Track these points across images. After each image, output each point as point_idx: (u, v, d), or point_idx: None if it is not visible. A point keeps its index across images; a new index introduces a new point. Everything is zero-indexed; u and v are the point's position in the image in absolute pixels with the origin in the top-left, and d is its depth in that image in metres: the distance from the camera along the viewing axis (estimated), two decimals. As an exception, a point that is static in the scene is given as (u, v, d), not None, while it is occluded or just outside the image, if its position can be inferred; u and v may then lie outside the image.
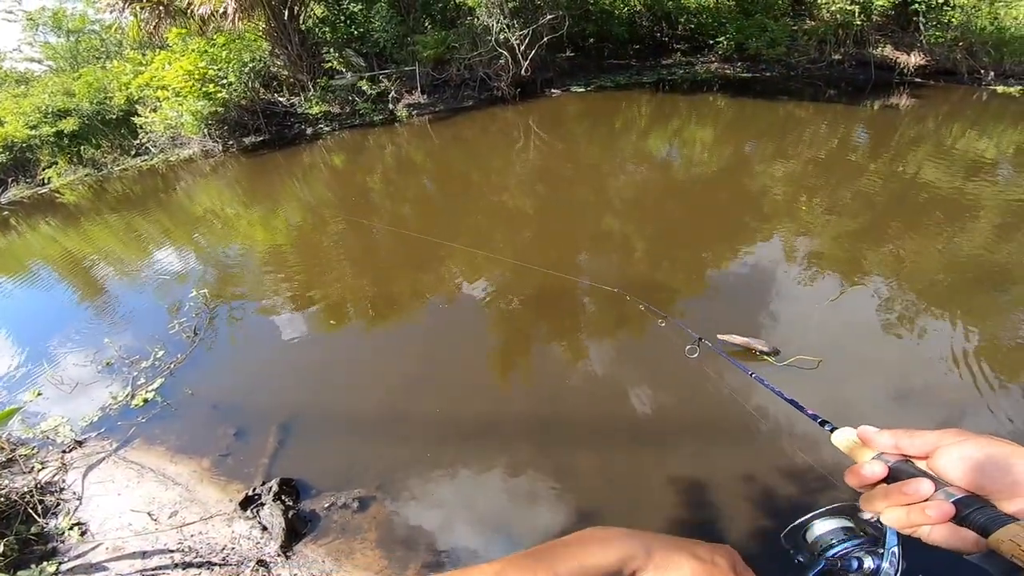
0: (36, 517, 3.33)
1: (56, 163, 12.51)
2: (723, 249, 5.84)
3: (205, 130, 11.77)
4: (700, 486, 3.18)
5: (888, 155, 8.60)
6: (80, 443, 3.98)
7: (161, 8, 11.79)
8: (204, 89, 11.12)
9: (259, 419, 4.00)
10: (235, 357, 4.90)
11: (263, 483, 3.44)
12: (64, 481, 3.63)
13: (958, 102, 10.91)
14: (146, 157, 12.30)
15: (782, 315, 4.56)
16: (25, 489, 3.46)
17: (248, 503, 3.34)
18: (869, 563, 0.68)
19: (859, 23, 12.31)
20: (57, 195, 11.43)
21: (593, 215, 6.60)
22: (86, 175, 12.24)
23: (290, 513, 3.26)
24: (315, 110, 12.07)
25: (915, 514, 0.55)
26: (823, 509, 0.77)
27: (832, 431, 0.77)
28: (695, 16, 14.48)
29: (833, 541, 0.73)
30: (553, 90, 12.56)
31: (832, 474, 3.17)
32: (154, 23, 12.11)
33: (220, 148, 11.73)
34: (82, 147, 12.66)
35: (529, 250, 5.98)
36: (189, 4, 11.10)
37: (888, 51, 12.52)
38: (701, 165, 8.61)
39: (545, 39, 11.97)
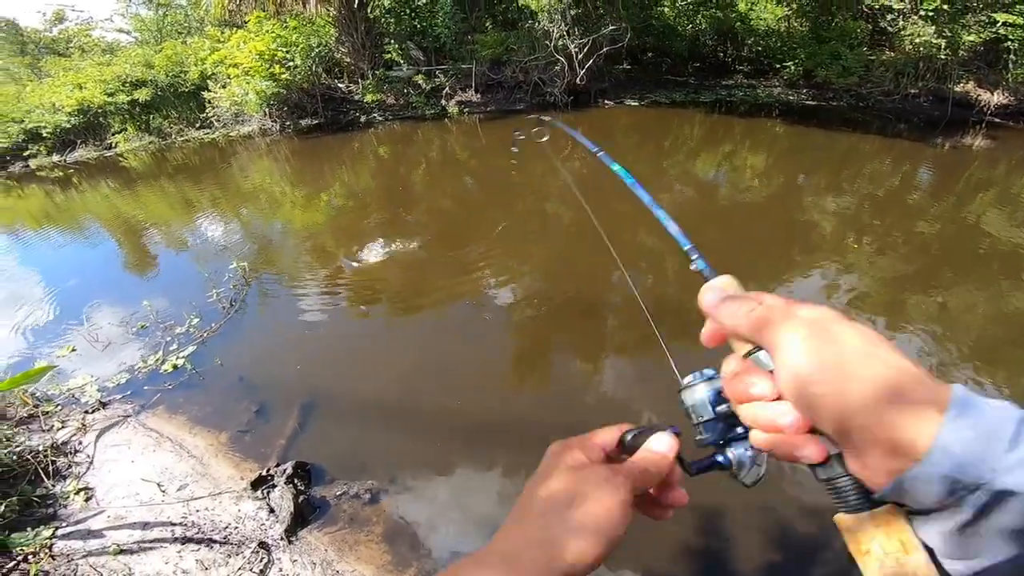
0: (44, 478, 3.35)
1: (125, 129, 13.16)
2: (761, 280, 5.55)
3: (266, 109, 12.15)
4: (711, 512, 3.01)
5: (951, 198, 8.03)
6: (104, 404, 4.02)
7: None
8: (271, 70, 11.47)
9: (282, 398, 4.02)
10: (266, 333, 4.95)
11: (277, 464, 3.43)
12: (80, 443, 3.66)
13: None
14: (208, 130, 12.80)
15: None
16: (40, 448, 3.48)
17: (260, 483, 3.34)
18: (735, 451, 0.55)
19: (943, 57, 11.58)
20: (121, 159, 12.03)
21: (629, 233, 6.40)
22: (150, 142, 12.83)
23: (300, 498, 3.24)
24: (370, 98, 12.27)
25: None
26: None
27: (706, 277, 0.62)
28: (763, 39, 13.97)
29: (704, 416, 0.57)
30: (606, 101, 12.34)
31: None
32: (237, 2, 12.49)
33: (278, 128, 12.09)
34: (151, 116, 13.28)
35: (559, 260, 5.85)
36: None
37: (970, 88, 11.72)
38: (749, 192, 8.24)
39: (604, 49, 11.77)
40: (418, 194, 8.29)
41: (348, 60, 13.03)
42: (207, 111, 12.81)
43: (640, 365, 4.44)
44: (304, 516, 3.23)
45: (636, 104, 12.19)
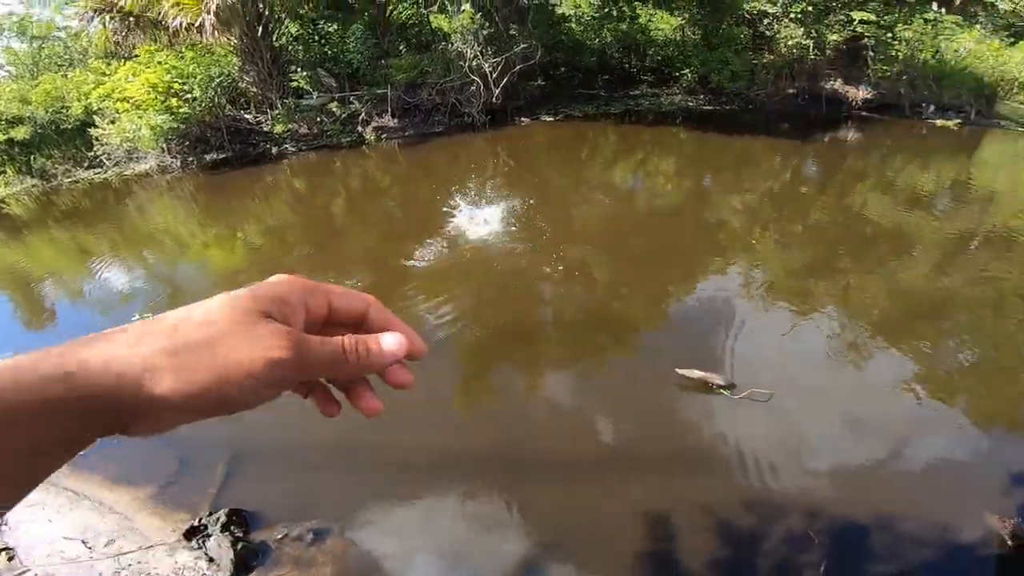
0: None
1: (4, 172, 12.16)
2: (683, 282, 6.23)
3: (164, 145, 11.68)
4: (663, 516, 3.41)
5: (836, 189, 9.31)
6: None
7: (132, 19, 11.69)
8: (167, 103, 11.09)
9: (207, 449, 4.05)
10: None
11: (210, 513, 3.49)
12: None
13: (900, 135, 11.88)
14: (99, 170, 12.07)
15: (738, 348, 4.91)
16: None
17: (193, 533, 3.38)
18: None
19: (813, 56, 13.31)
20: (2, 205, 11.10)
21: (554, 245, 6.91)
22: (33, 186, 11.93)
23: (240, 545, 3.31)
24: (280, 129, 12.15)
25: None
26: None
27: None
28: (662, 48, 15.34)
29: None
30: (523, 118, 13.03)
31: (789, 498, 3.45)
32: (123, 33, 11.99)
33: (179, 164, 11.65)
34: (32, 156, 12.36)
35: (491, 280, 6.21)
36: (162, 16, 11.05)
37: (839, 85, 13.55)
38: (662, 197, 9.11)
39: (517, 67, 12.47)
40: (340, 225, 8.39)
41: (254, 90, 12.84)
42: (95, 149, 12.08)
43: (560, 381, 4.85)
44: (247, 563, 3.31)
45: (551, 119, 12.99)
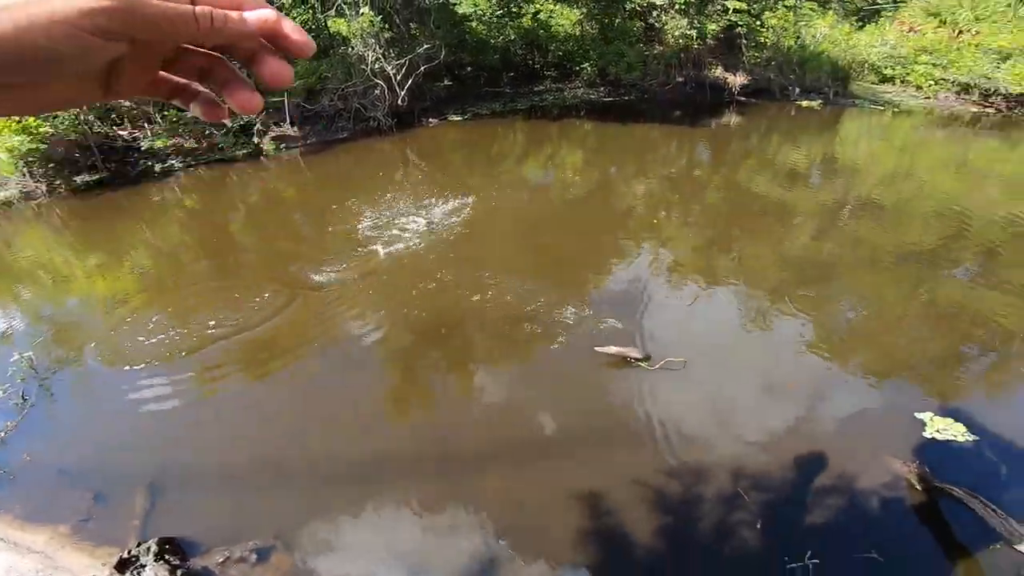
0: None
1: None
2: (595, 266, 6.78)
3: (24, 169, 10.58)
4: (600, 493, 3.71)
5: (725, 169, 10.45)
6: None
7: None
8: (24, 123, 10.07)
9: (121, 480, 3.95)
10: (80, 419, 4.72)
11: (139, 544, 3.42)
12: None
13: (774, 117, 13.51)
14: (-56, 204, 10.68)
15: (649, 323, 5.45)
16: None
17: (125, 566, 3.33)
18: None
19: (696, 46, 14.74)
20: None
21: (468, 243, 7.22)
22: None
23: (178, 572, 3.29)
24: (162, 144, 11.43)
25: None
26: None
27: None
28: (563, 44, 16.20)
29: None
30: (430, 119, 13.24)
31: (715, 461, 3.90)
32: None
33: (44, 189, 10.59)
34: None
35: (407, 284, 6.38)
36: None
37: (720, 72, 15.11)
38: (571, 188, 9.74)
39: (422, 69, 12.64)
40: (240, 243, 8.15)
41: (127, 104, 11.97)
42: (-64, 182, 10.67)
43: (489, 375, 5.15)
44: None
45: (459, 119, 13.32)
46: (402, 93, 12.50)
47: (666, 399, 4.47)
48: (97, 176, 10.84)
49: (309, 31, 13.53)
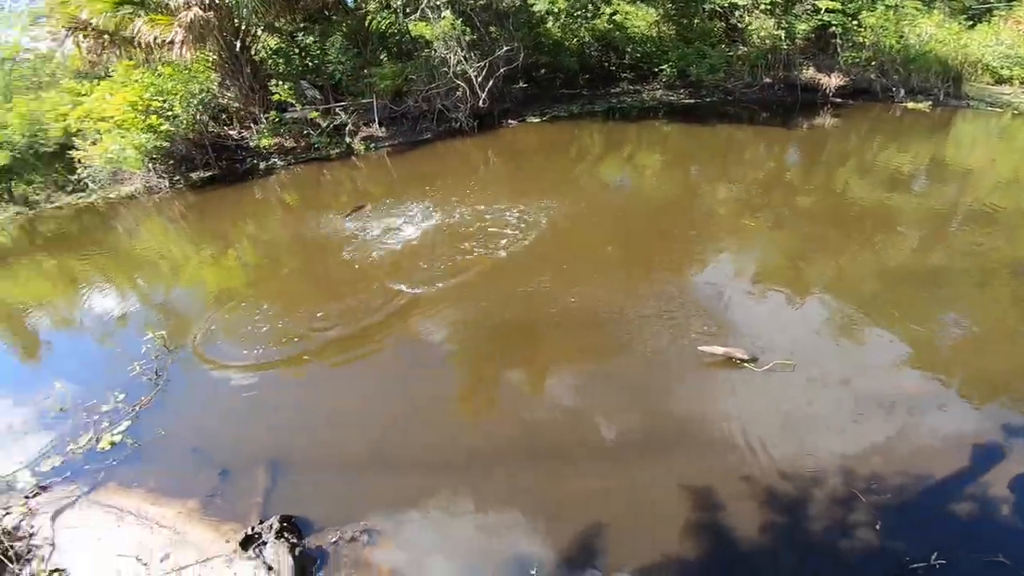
0: (6, 562, 3.30)
1: (-17, 201, 11.85)
2: (687, 267, 6.42)
3: (149, 165, 11.53)
4: (707, 491, 3.52)
5: (820, 172, 9.66)
6: (44, 488, 3.96)
7: (106, 37, 11.31)
8: (148, 121, 10.95)
9: (244, 458, 4.10)
10: (207, 397, 4.95)
11: (261, 521, 3.53)
12: (32, 526, 3.60)
13: (875, 119, 12.35)
14: (83, 194, 11.84)
15: (751, 325, 5.08)
16: None
17: (249, 542, 3.42)
18: None
19: (785, 47, 13.78)
20: None
21: (557, 241, 7.05)
22: (16, 213, 11.64)
23: (297, 550, 3.36)
24: (266, 143, 12.08)
25: None
26: None
27: None
28: (640, 45, 15.68)
29: None
30: (510, 121, 13.20)
31: (829, 462, 3.61)
32: (98, 52, 11.59)
33: (166, 184, 11.50)
34: (13, 183, 12.07)
35: (500, 279, 6.32)
36: (136, 32, 10.79)
37: (812, 73, 14.03)
38: (655, 189, 9.35)
39: (501, 71, 12.63)
40: (336, 235, 8.39)
41: (236, 105, 12.76)
42: (78, 172, 11.84)
43: (574, 375, 4.97)
44: (306, 568, 3.36)
45: (538, 120, 13.18)
46: (483, 95, 12.51)
47: (776, 400, 4.20)
48: (210, 173, 11.65)
49: (393, 35, 13.78)
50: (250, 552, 3.37)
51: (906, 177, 8.93)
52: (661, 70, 14.82)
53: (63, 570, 3.32)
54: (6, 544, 3.37)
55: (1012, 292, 5.54)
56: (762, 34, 13.85)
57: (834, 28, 13.38)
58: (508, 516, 3.55)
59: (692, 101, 14.19)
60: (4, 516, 3.69)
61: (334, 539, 3.46)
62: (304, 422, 4.48)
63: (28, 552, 3.41)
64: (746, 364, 4.50)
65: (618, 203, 8.83)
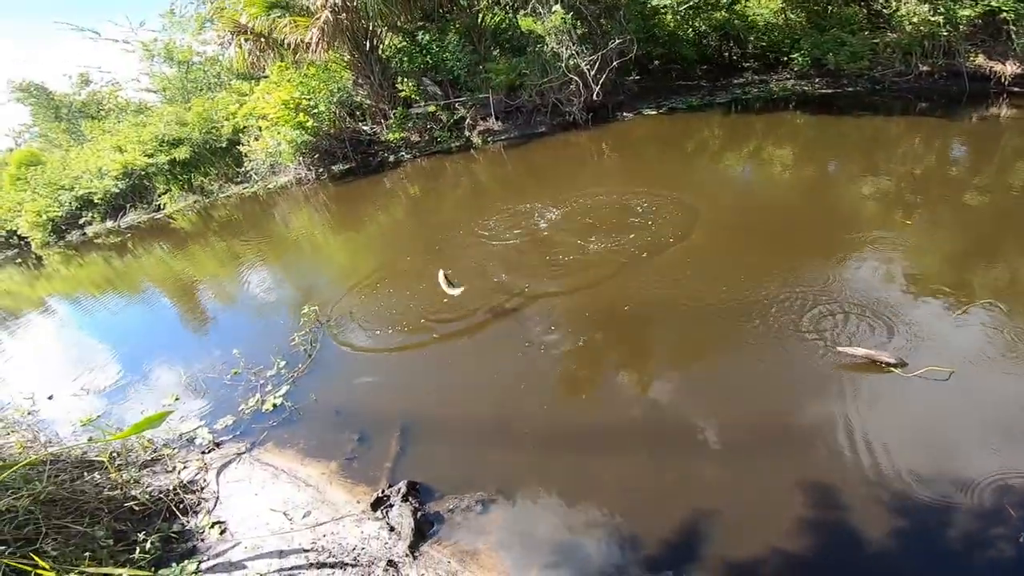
0: (179, 515, 3.63)
1: (170, 190, 13.93)
2: (827, 264, 5.61)
3: (300, 158, 12.77)
4: (837, 494, 3.12)
5: (992, 168, 7.99)
6: (218, 445, 4.36)
7: (263, 39, 12.53)
8: (298, 118, 12.08)
9: (379, 425, 4.28)
10: (351, 367, 5.27)
11: (390, 485, 3.65)
12: (204, 480, 3.97)
13: None
14: (247, 184, 13.47)
15: (901, 329, 4.35)
16: (168, 487, 3.78)
17: (378, 504, 3.56)
18: None
19: (945, 33, 11.60)
20: (171, 220, 12.73)
21: (680, 235, 6.55)
22: (195, 201, 13.55)
23: (418, 514, 3.44)
24: (394, 137, 12.79)
25: None
26: None
27: None
28: (764, 34, 14.19)
29: None
30: (625, 113, 12.66)
31: (979, 474, 2.99)
32: (256, 54, 12.85)
33: (312, 176, 12.66)
34: (192, 175, 14.05)
35: (624, 268, 6.01)
36: (283, 34, 11.77)
37: (981, 60, 11.67)
38: (784, 184, 8.35)
39: (614, 63, 12.13)
40: (458, 226, 8.59)
41: (368, 102, 13.66)
42: (245, 165, 13.47)
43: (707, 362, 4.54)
44: (423, 532, 3.42)
45: (654, 113, 12.48)
46: (596, 88, 12.10)
47: (925, 407, 3.61)
48: (348, 166, 12.65)
49: (504, 30, 13.76)
50: (378, 513, 3.50)
51: None
52: (791, 59, 13.28)
53: (223, 522, 3.61)
54: (181, 495, 3.73)
55: None
56: (915, 20, 11.79)
57: (1005, 14, 10.97)
58: (616, 501, 3.35)
59: (831, 91, 12.52)
60: (183, 469, 4.09)
61: (451, 506, 3.49)
62: (437, 392, 4.59)
63: (197, 504, 3.75)
64: (893, 368, 3.85)
65: (750, 196, 8.00)
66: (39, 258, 13.93)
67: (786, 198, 7.74)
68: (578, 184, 8.82)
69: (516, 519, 3.36)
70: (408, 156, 12.60)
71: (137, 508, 3.63)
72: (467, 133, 12.63)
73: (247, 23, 12.11)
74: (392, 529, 3.46)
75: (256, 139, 13.21)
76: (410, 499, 3.55)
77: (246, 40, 12.55)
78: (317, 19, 11.30)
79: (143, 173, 14.00)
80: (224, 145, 14.15)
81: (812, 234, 6.32)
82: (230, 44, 12.98)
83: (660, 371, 4.54)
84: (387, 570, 3.28)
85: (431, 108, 12.99)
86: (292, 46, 11.88)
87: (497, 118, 12.79)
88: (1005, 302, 4.64)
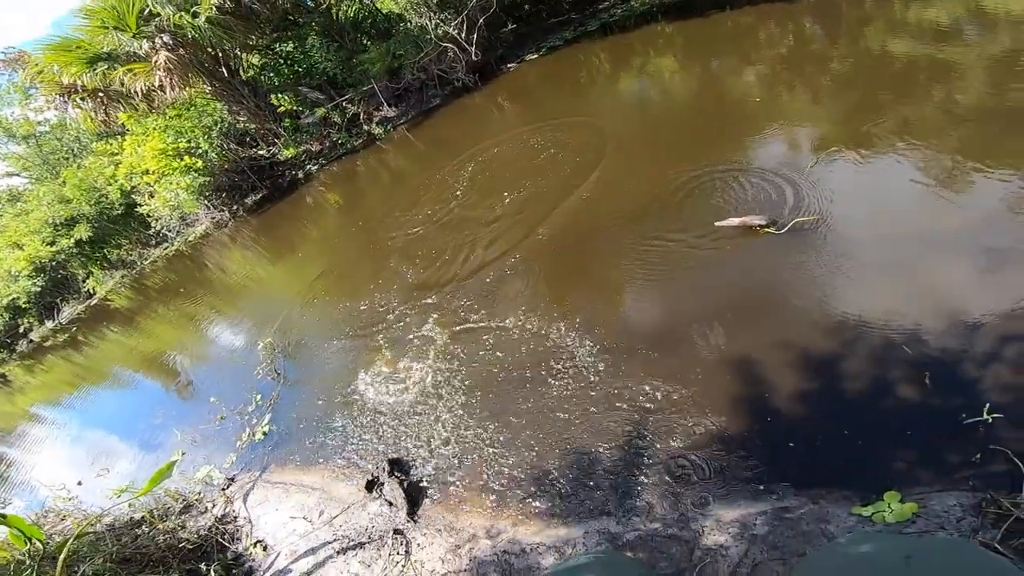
0: (227, 545, 4.21)
1: (92, 273, 13.50)
2: (726, 158, 6.14)
3: (205, 202, 12.55)
4: (751, 362, 3.64)
5: (845, 39, 8.78)
6: (232, 480, 4.95)
7: (101, 95, 11.55)
8: (183, 163, 11.68)
9: (357, 424, 4.83)
10: (318, 382, 5.76)
11: (376, 466, 4.33)
12: (234, 511, 4.56)
13: None
14: (166, 244, 13.17)
15: (778, 193, 4.88)
16: (209, 525, 4.37)
17: (371, 486, 4.19)
18: None
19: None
20: (108, 302, 12.41)
21: (591, 158, 7.13)
22: (122, 276, 13.19)
23: (405, 484, 4.13)
24: (291, 153, 12.68)
25: None
26: None
27: None
28: (616, -51, 14.45)
29: None
30: (509, 65, 12.90)
31: (871, 316, 3.72)
32: (102, 110, 11.80)
33: (228, 215, 12.51)
34: (105, 250, 13.60)
35: (543, 197, 6.62)
36: (123, 86, 10.99)
37: (807, -63, 12.36)
38: (677, 91, 9.00)
39: (481, 20, 12.25)
40: (391, 223, 8.94)
41: (253, 126, 13.37)
42: (153, 225, 13.13)
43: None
44: (415, 498, 4.10)
45: (535, 56, 12.77)
46: (472, 48, 12.28)
47: (803, 259, 4.07)
48: (260, 194, 12.52)
49: (364, 19, 13.51)
50: (374, 493, 4.15)
51: (948, 29, 7.87)
52: (641, -31, 13.71)
53: (262, 540, 4.18)
54: (222, 528, 4.30)
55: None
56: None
57: None
58: (561, 423, 3.94)
59: (685, -7, 13.09)
60: (213, 508, 4.64)
61: (431, 471, 4.10)
62: (391, 387, 5.15)
63: (237, 532, 4.34)
64: (767, 229, 4.31)
65: (645, 111, 8.59)
66: (2, 376, 13.60)
67: (684, 104, 8.35)
68: (488, 137, 9.17)
69: (487, 463, 3.95)
70: (316, 167, 12.58)
71: (191, 548, 4.17)
72: (365, 127, 12.67)
73: (73, 82, 11.14)
74: (391, 504, 4.13)
75: (151, 196, 12.81)
76: (395, 474, 4.22)
77: (82, 99, 11.48)
78: (155, 62, 10.80)
79: (55, 263, 13.51)
80: (121, 211, 13.68)
81: (715, 134, 6.83)
82: (66, 106, 11.82)
83: (584, 279, 5.18)
84: (395, 537, 3.96)
85: (320, 114, 12.89)
86: (141, 93, 11.16)
87: (389, 104, 12.85)
88: (906, 152, 5.01)
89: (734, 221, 4.43)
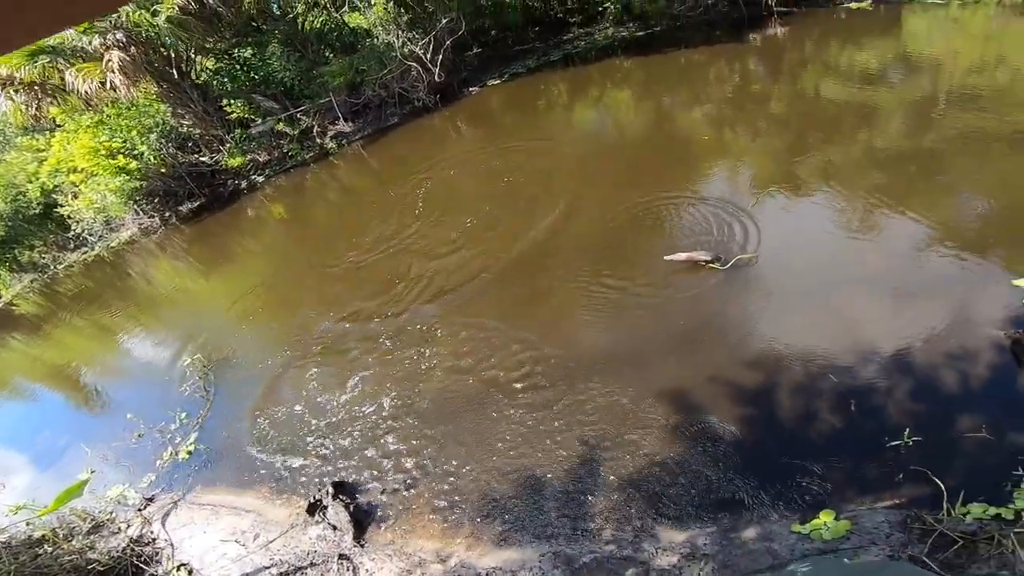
0: (143, 567, 3.83)
1: (-2, 275, 12.14)
2: (672, 191, 6.52)
3: (134, 207, 11.68)
4: (686, 391, 3.88)
5: (784, 80, 9.68)
6: (151, 500, 4.56)
7: (37, 89, 10.91)
8: (116, 163, 10.94)
9: (297, 443, 4.56)
10: (254, 399, 5.38)
11: (319, 489, 4.01)
12: (152, 532, 4.18)
13: (824, 23, 12.18)
14: (86, 248, 12.08)
15: (722, 231, 5.30)
16: (122, 547, 3.98)
17: (313, 509, 3.92)
18: None
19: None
20: (13, 307, 11.16)
21: (548, 184, 7.29)
22: (32, 280, 11.96)
23: (351, 507, 3.85)
24: (237, 162, 12.12)
25: None
26: None
27: None
28: (580, -12, 15.32)
29: None
30: (471, 88, 13.14)
31: (801, 348, 3.95)
32: (34, 105, 11.14)
33: (158, 222, 11.69)
34: (15, 251, 12.32)
35: (490, 228, 6.62)
36: (69, 84, 10.47)
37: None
38: (630, 123, 9.46)
39: (448, 42, 12.49)
40: (338, 239, 8.66)
41: (198, 131, 12.73)
42: (73, 227, 12.03)
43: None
44: (361, 522, 3.85)
45: (498, 81, 13.11)
46: (436, 69, 12.42)
47: (742, 294, 4.42)
48: (198, 202, 11.79)
49: (331, 31, 13.41)
50: (316, 517, 3.86)
51: (875, 73, 8.86)
52: (606, 8, 14.59)
53: (187, 564, 3.84)
54: (138, 550, 3.93)
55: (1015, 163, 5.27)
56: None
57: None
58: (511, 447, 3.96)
59: (643, 33, 14.00)
60: (128, 528, 4.26)
61: (379, 493, 3.94)
62: (333, 405, 4.91)
63: (156, 555, 3.98)
64: (712, 265, 4.68)
65: (598, 142, 8.93)
66: None
67: (637, 138, 8.81)
68: (444, 158, 9.20)
69: (440, 488, 3.84)
70: (262, 178, 12.07)
71: (101, 569, 3.76)
72: (319, 141, 12.37)
73: (11, 74, 10.55)
74: (335, 528, 3.84)
75: (75, 196, 11.80)
76: (340, 497, 3.94)
77: (16, 92, 10.84)
78: (107, 62, 10.24)
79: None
80: (38, 211, 12.50)
81: (662, 168, 7.30)
82: (-1, 98, 11.02)
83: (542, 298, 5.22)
84: (341, 563, 3.69)
85: (273, 124, 12.48)
86: (86, 93, 10.54)
87: (346, 119, 12.67)
88: (827, 193, 5.59)
89: (681, 256, 4.80)
